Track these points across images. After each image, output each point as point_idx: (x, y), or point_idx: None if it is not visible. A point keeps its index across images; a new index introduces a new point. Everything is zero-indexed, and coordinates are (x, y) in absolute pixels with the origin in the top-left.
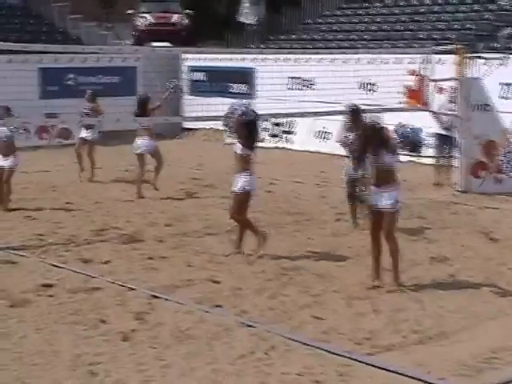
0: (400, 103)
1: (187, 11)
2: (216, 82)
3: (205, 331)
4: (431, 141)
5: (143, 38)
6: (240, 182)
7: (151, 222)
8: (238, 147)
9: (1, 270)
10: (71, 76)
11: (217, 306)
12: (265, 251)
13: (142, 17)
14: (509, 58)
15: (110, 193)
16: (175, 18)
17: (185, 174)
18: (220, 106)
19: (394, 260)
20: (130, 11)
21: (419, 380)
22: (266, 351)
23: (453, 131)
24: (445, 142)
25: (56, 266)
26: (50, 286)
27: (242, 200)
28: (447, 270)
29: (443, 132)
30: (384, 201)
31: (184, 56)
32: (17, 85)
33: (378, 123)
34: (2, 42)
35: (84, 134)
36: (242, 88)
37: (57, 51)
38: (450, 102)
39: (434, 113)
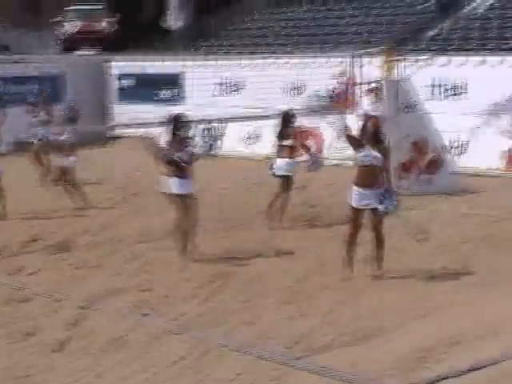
0: (327, 105)
1: (114, 17)
2: (144, 88)
3: (137, 338)
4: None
5: (70, 45)
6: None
7: (81, 230)
8: None
9: None
10: None
11: (149, 313)
12: (196, 257)
13: (68, 24)
14: (434, 58)
15: (41, 202)
16: (102, 24)
17: (113, 182)
18: (149, 112)
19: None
20: (56, 19)
21: (351, 381)
22: (198, 357)
23: None
24: None
25: None
26: None
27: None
28: (375, 271)
29: None
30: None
31: (112, 63)
32: None
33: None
34: None
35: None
36: (171, 93)
37: None
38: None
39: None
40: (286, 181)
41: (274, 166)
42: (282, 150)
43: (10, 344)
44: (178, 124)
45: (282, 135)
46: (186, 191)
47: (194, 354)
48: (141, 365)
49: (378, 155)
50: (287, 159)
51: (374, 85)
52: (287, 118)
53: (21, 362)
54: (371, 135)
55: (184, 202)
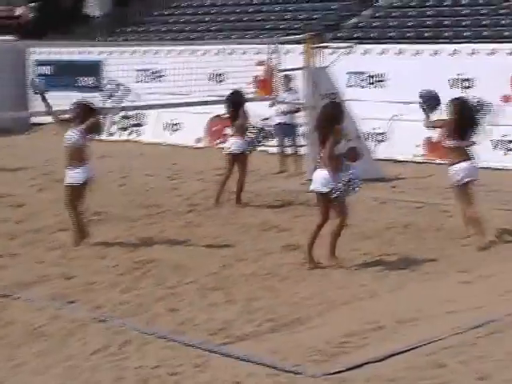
0: (248, 93)
1: (32, 4)
2: (63, 75)
3: (58, 328)
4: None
5: None
6: None
7: (1, 218)
8: None
9: None
10: None
11: (70, 302)
12: (119, 244)
13: None
14: (355, 47)
15: None
16: (19, 10)
17: (35, 169)
18: (68, 99)
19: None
20: None
21: (274, 368)
22: (120, 345)
23: (292, 119)
24: (287, 131)
25: None
26: None
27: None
28: (300, 258)
29: (284, 121)
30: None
31: (30, 50)
32: None
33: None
34: None
35: None
36: (90, 81)
37: None
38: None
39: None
40: (243, 159)
41: (229, 145)
42: (236, 130)
43: None
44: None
45: (233, 115)
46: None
47: (117, 342)
48: (60, 355)
49: None
50: (240, 138)
51: (286, 72)
52: (237, 99)
53: None
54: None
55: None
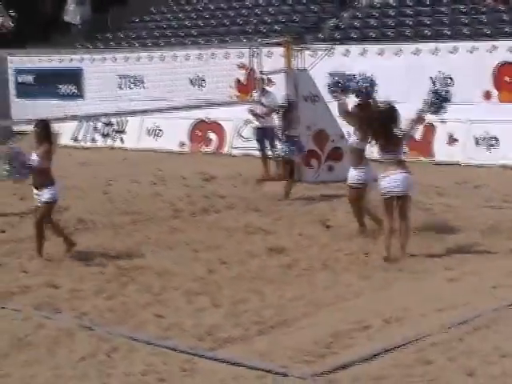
0: (230, 97)
1: (10, 12)
2: (44, 83)
3: (44, 337)
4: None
5: None
6: None
7: None
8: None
9: None
10: None
11: (56, 311)
12: (104, 252)
13: None
14: (334, 48)
15: None
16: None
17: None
18: (49, 108)
19: None
20: None
21: (262, 370)
22: (107, 353)
23: (269, 122)
24: (263, 133)
25: None
26: None
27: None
28: (285, 260)
29: (260, 124)
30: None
31: (10, 58)
32: None
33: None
34: None
35: None
36: (71, 89)
37: None
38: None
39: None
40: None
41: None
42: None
43: None
44: None
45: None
46: None
47: (104, 349)
48: (47, 364)
49: None
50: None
51: (261, 75)
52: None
53: None
54: None
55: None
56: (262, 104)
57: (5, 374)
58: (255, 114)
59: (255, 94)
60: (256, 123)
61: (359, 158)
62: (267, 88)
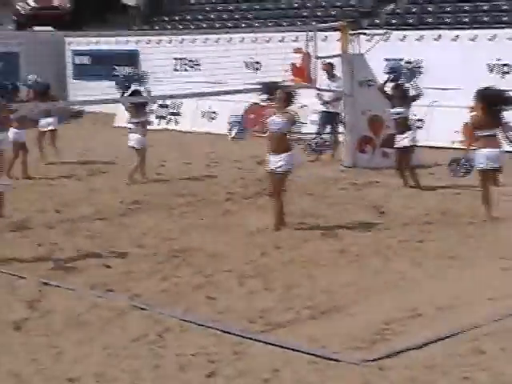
0: (285, 81)
1: None
2: (100, 65)
3: (97, 316)
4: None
5: (25, 22)
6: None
7: (40, 208)
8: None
9: None
10: None
11: (109, 291)
12: (158, 233)
13: (23, 1)
14: (391, 33)
15: None
16: (57, 1)
17: (73, 158)
18: (105, 89)
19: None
20: None
21: (313, 355)
22: (159, 333)
23: (335, 107)
24: (328, 118)
25: None
26: None
27: None
28: (338, 246)
29: (326, 109)
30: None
31: (68, 40)
32: None
33: None
34: None
35: None
36: (127, 70)
37: None
38: (332, 78)
39: (318, 89)
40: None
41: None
42: None
43: None
44: None
45: None
46: None
47: (156, 329)
48: (100, 343)
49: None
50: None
51: (327, 60)
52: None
53: None
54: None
55: None
56: (329, 89)
57: (59, 352)
58: (323, 100)
59: (324, 79)
60: (321, 107)
61: (405, 125)
62: (336, 73)
